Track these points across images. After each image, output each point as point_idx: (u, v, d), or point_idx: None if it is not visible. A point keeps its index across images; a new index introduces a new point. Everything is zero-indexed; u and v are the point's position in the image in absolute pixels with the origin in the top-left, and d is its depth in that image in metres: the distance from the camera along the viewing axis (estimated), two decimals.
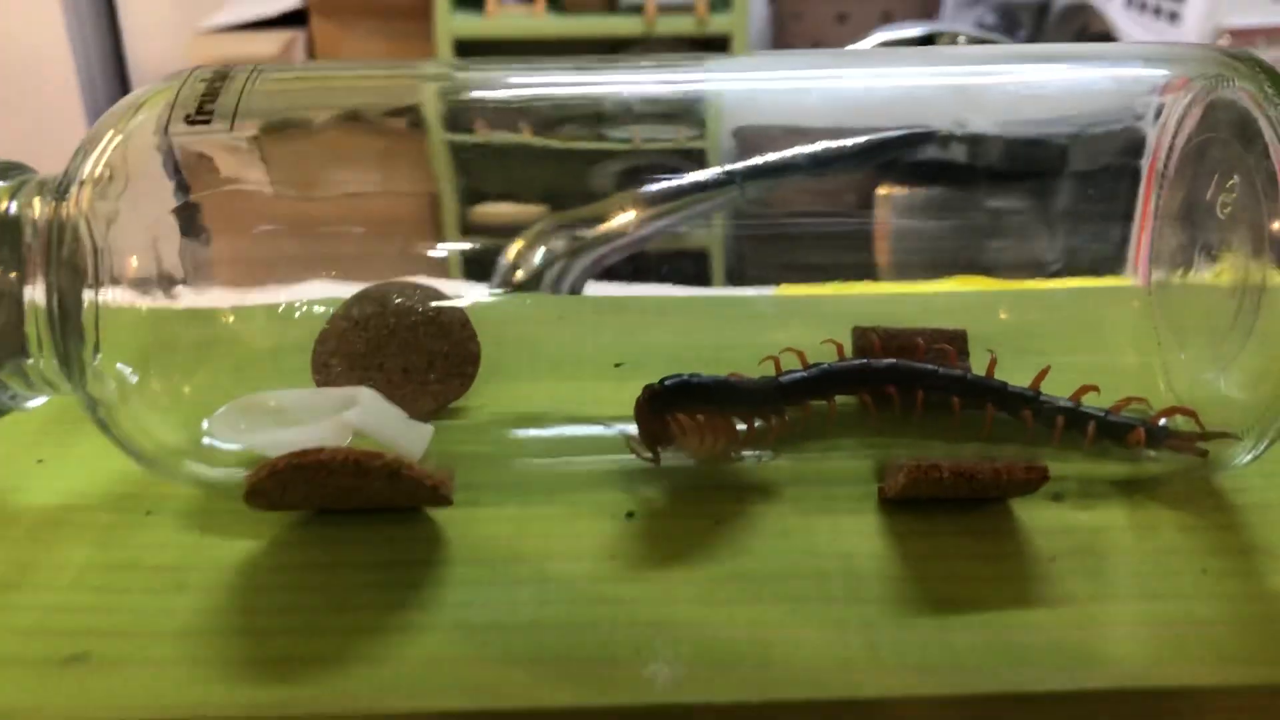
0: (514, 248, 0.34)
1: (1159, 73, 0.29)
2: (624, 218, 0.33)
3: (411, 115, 0.32)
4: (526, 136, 0.32)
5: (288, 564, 0.25)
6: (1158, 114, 0.29)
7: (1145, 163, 0.30)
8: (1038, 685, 0.22)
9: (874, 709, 0.22)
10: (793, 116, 0.33)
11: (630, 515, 0.27)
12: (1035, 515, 0.27)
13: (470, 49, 1.93)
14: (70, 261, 0.25)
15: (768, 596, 0.24)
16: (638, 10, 1.91)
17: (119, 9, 2.29)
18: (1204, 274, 0.28)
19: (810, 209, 0.33)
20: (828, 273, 0.33)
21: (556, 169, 0.32)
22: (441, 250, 0.31)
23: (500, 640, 0.23)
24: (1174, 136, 0.29)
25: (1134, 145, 0.30)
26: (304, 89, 0.29)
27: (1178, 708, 0.22)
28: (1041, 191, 0.32)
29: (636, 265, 0.33)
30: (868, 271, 0.33)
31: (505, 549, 0.26)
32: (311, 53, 2.02)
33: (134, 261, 0.27)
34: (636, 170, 0.33)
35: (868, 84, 0.31)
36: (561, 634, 0.23)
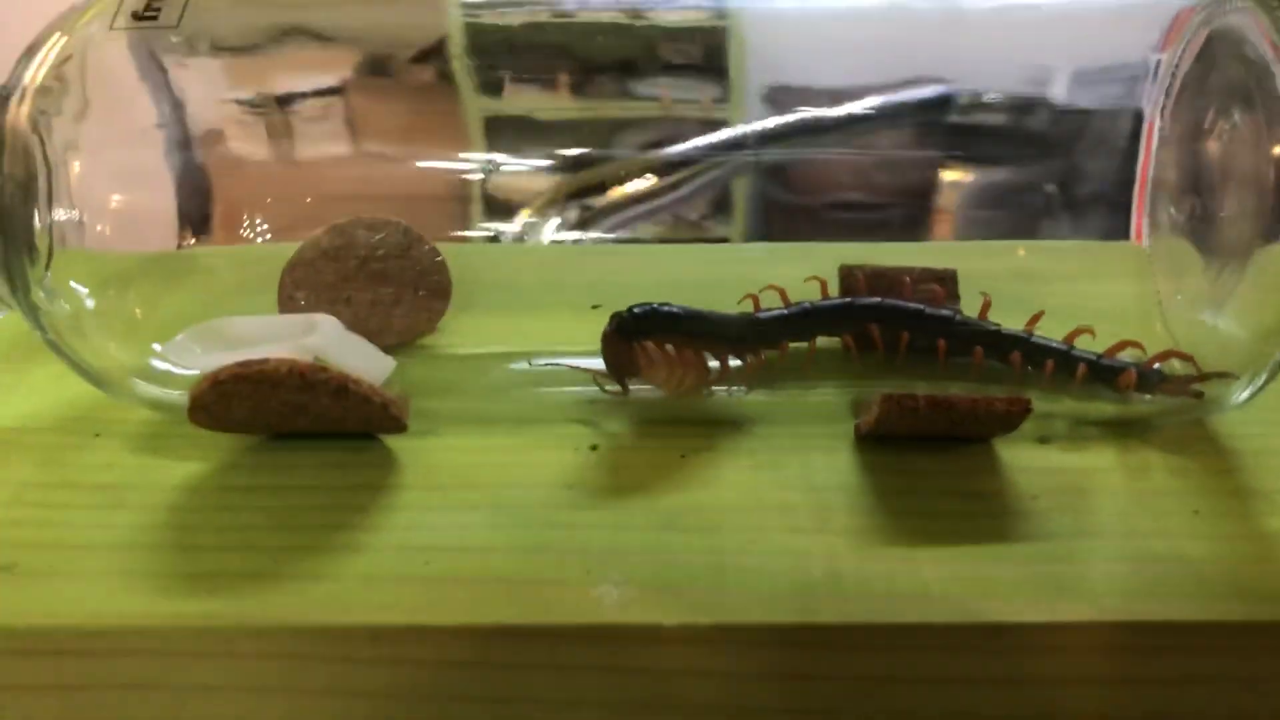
0: (523, 215, 0.33)
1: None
2: (636, 184, 0.32)
3: (401, 49, 0.31)
4: (538, 93, 0.31)
5: (232, 485, 0.25)
6: (1156, 69, 0.28)
7: (1146, 113, 0.28)
8: (1010, 616, 0.20)
9: (832, 634, 0.20)
10: (812, 64, 0.32)
11: (594, 448, 0.26)
12: (1020, 456, 0.25)
13: None
14: (13, 174, 0.24)
15: (728, 526, 0.23)
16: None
17: None
18: (1201, 212, 0.26)
19: (826, 180, 0.32)
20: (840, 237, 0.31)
21: (570, 131, 0.31)
22: (442, 199, 0.30)
23: (444, 561, 0.22)
24: (1172, 77, 0.27)
25: (1138, 91, 0.28)
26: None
27: (1161, 644, 0.21)
28: (1048, 155, 0.30)
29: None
30: (877, 235, 0.32)
31: (461, 477, 0.25)
32: None
33: (92, 179, 0.26)
34: (654, 132, 0.32)
35: (869, 11, 0.29)
36: (508, 556, 0.22)
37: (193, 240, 0.28)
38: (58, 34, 0.25)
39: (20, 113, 0.24)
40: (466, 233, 0.30)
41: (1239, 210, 0.25)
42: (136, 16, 0.24)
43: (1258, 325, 0.24)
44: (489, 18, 0.31)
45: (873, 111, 0.30)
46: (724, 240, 0.34)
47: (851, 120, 0.31)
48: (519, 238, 0.33)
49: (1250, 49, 0.24)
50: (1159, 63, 0.27)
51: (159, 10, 0.24)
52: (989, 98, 0.30)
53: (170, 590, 0.21)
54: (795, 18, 0.31)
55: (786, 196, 0.32)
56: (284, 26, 0.28)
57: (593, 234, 0.33)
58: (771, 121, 0.31)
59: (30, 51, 0.25)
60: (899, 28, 0.29)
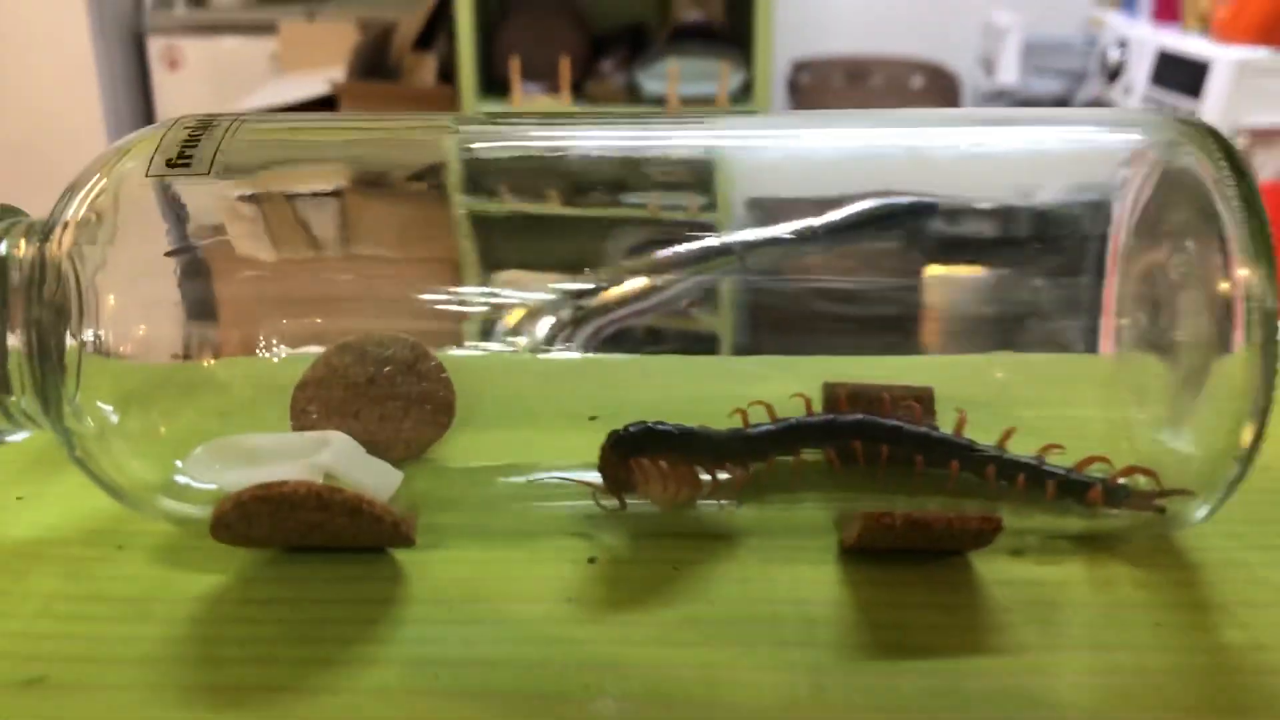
0: (514, 315, 0.34)
1: (1129, 138, 0.30)
2: (626, 286, 0.33)
3: (408, 173, 0.33)
4: (531, 203, 0.33)
5: (251, 598, 0.26)
6: (1123, 186, 0.30)
7: (1111, 235, 0.30)
8: None
9: None
10: (796, 182, 0.34)
11: (592, 560, 0.27)
12: (994, 569, 0.27)
13: None
14: (52, 300, 0.26)
15: (720, 639, 0.24)
16: (660, 101, 1.96)
17: (154, 92, 2.36)
18: (1161, 335, 0.28)
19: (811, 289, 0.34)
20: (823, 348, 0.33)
21: (562, 235, 0.33)
22: (441, 313, 0.32)
23: (451, 675, 0.23)
24: (1134, 205, 0.29)
25: (1104, 217, 0.30)
26: (285, 140, 0.30)
27: None
28: (1025, 267, 0.32)
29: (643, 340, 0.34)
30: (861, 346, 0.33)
31: (465, 590, 0.26)
32: None
33: (118, 304, 0.28)
34: (644, 238, 0.33)
35: (839, 153, 0.32)
36: (513, 670, 0.24)
37: (211, 359, 0.30)
38: (97, 175, 0.27)
39: (60, 245, 0.26)
40: (467, 346, 0.32)
41: (1193, 335, 0.26)
42: (170, 164, 0.26)
43: (1211, 445, 0.26)
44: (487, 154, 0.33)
45: (856, 219, 0.32)
46: (712, 341, 0.36)
47: (833, 229, 0.33)
48: (514, 342, 0.35)
49: (1200, 189, 0.26)
50: (1121, 192, 0.30)
51: (190, 159, 0.26)
52: (967, 210, 0.32)
53: (195, 702, 0.23)
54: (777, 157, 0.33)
55: (771, 302, 0.34)
56: (299, 160, 0.30)
57: (585, 334, 0.35)
58: (757, 231, 0.33)
59: (71, 190, 0.27)
60: (875, 166, 0.31)
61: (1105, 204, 0.30)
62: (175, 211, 0.29)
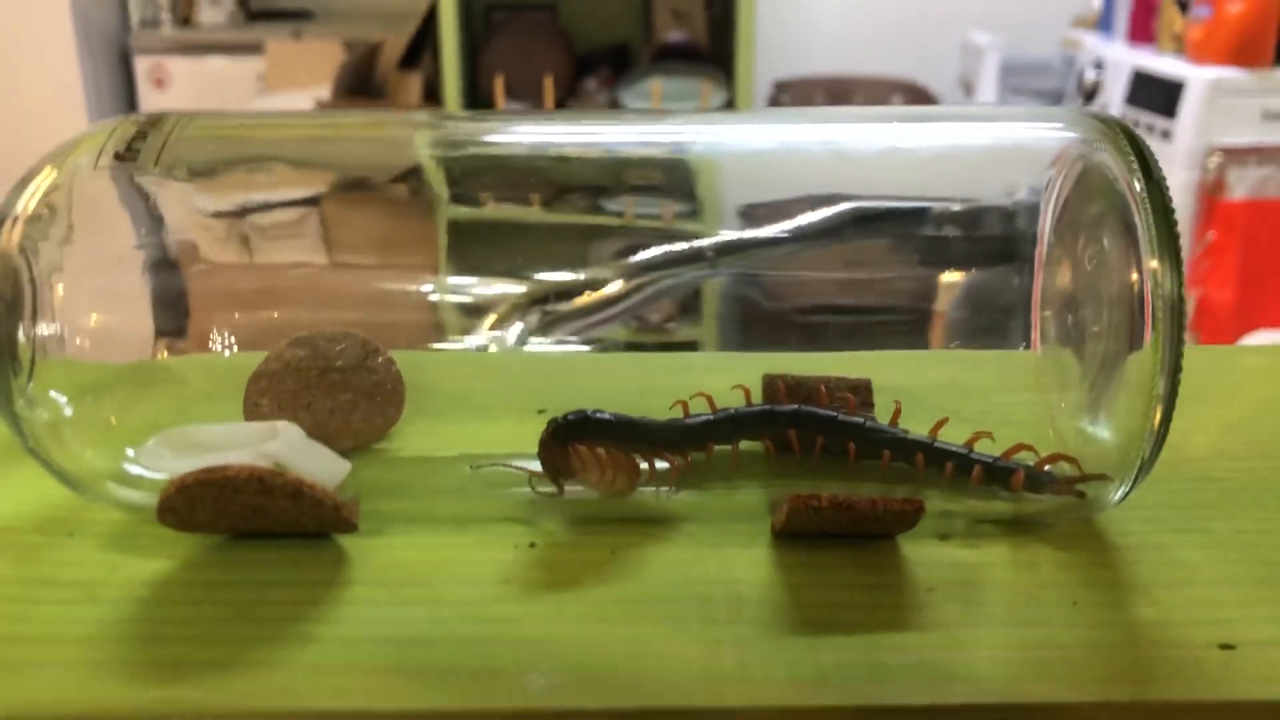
0: (487, 322, 0.35)
1: (1051, 135, 0.31)
2: (596, 291, 0.34)
3: (368, 173, 0.34)
4: (502, 203, 0.34)
5: (196, 581, 0.27)
6: (1047, 186, 0.31)
7: (1038, 231, 0.31)
8: (898, 699, 0.23)
9: (738, 718, 0.22)
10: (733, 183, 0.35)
11: (532, 546, 0.28)
12: (921, 552, 0.28)
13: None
14: (1, 292, 0.27)
15: (649, 617, 0.25)
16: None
17: (141, 112, 2.37)
18: (1076, 327, 0.29)
19: (778, 290, 0.35)
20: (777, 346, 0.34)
21: (533, 238, 0.34)
22: (401, 310, 0.33)
23: (387, 652, 0.24)
24: (1054, 203, 0.30)
25: (1030, 214, 0.31)
26: (236, 136, 0.31)
27: None
28: (960, 264, 0.33)
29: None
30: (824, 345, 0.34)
31: (406, 574, 0.27)
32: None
33: (72, 297, 0.29)
34: (619, 244, 0.34)
35: (762, 149, 0.32)
36: (447, 647, 0.24)
37: (165, 352, 0.31)
38: (49, 167, 0.27)
39: (11, 237, 0.27)
40: (436, 346, 0.33)
41: (1107, 327, 0.27)
42: (118, 156, 0.26)
43: (1125, 429, 0.26)
44: (457, 151, 0.33)
45: (811, 226, 0.33)
46: (689, 344, 0.36)
47: (789, 236, 0.34)
48: (483, 346, 0.35)
49: (1115, 185, 0.27)
50: (1046, 188, 0.31)
51: (139, 151, 0.26)
52: (904, 213, 0.33)
53: (136, 678, 0.23)
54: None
55: (739, 303, 0.35)
56: (254, 159, 0.31)
57: (554, 340, 0.36)
58: (723, 236, 0.34)
59: (23, 183, 0.27)
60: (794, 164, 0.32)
61: (1031, 201, 0.31)
62: (131, 207, 0.30)
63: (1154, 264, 0.25)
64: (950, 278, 0.33)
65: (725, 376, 0.34)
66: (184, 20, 2.41)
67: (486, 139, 0.32)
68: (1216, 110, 1.75)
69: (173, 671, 0.23)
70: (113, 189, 0.28)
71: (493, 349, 0.35)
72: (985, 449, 0.30)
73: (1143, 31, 2.05)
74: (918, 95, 2.23)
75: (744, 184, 0.36)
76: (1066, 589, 0.26)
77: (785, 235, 0.33)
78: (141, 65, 2.35)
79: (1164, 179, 0.26)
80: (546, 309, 0.36)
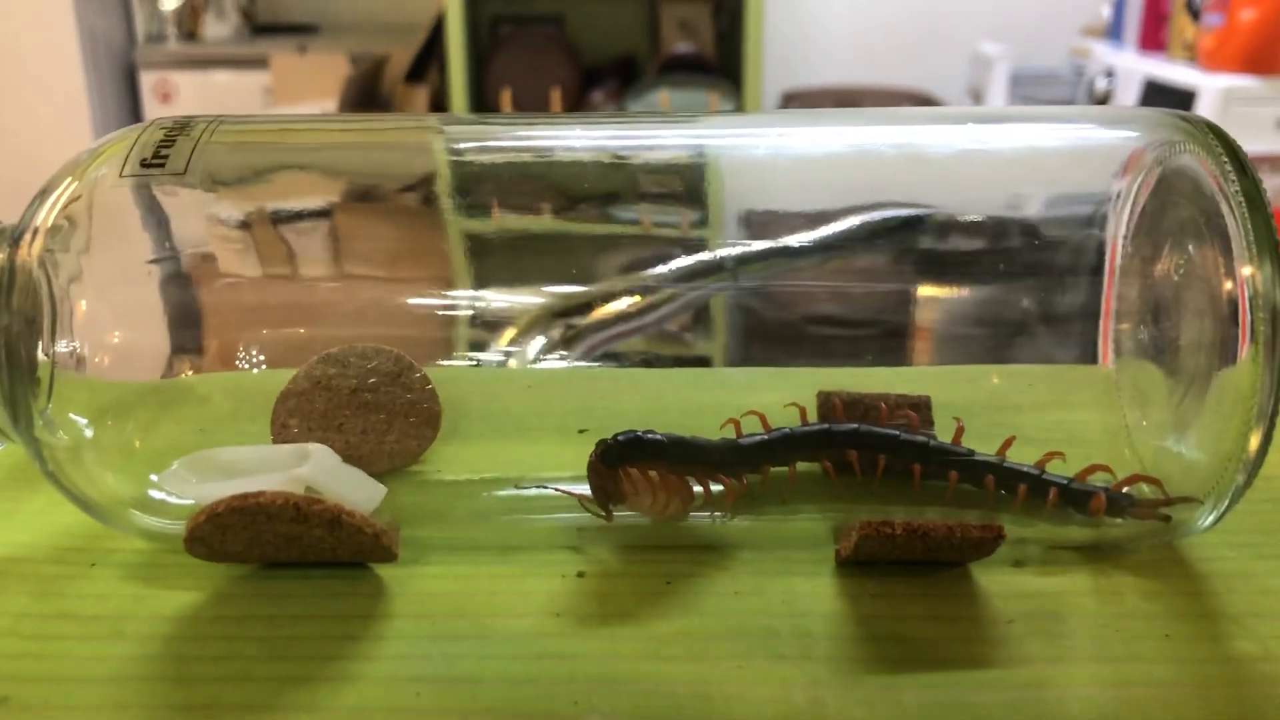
0: (507, 335, 0.34)
1: (1126, 136, 0.29)
2: (618, 304, 0.33)
3: (396, 182, 0.33)
4: (521, 213, 0.32)
5: (227, 615, 0.25)
6: (1118, 196, 0.29)
7: (1109, 238, 0.30)
8: None
9: None
10: (787, 187, 0.33)
11: (581, 575, 0.26)
12: (995, 580, 0.26)
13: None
14: (20, 309, 0.25)
15: (714, 654, 0.23)
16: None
17: None
18: (1161, 340, 0.28)
19: (802, 303, 0.33)
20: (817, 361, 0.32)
21: (553, 250, 0.32)
22: (428, 324, 0.31)
23: (433, 693, 0.22)
24: (1130, 208, 0.29)
25: (1101, 220, 0.30)
26: (266, 142, 0.29)
27: None
28: (1017, 276, 0.32)
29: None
30: (854, 359, 0.33)
31: (449, 605, 0.25)
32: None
33: (93, 313, 0.27)
34: (635, 255, 0.33)
35: (827, 152, 0.31)
36: (498, 687, 0.23)
37: (188, 370, 0.29)
38: (69, 178, 0.26)
39: (30, 252, 0.25)
40: (454, 360, 0.31)
41: (1196, 339, 0.26)
42: (145, 164, 0.25)
43: (1217, 451, 0.25)
44: (473, 157, 0.32)
45: (849, 234, 0.32)
46: (706, 359, 0.35)
47: (827, 244, 0.32)
48: (503, 360, 0.34)
49: (1202, 187, 0.25)
50: (1118, 195, 0.29)
51: (166, 158, 0.25)
52: (961, 220, 0.31)
53: None
54: (769, 158, 0.32)
55: (765, 316, 0.33)
56: (279, 166, 0.29)
57: (576, 354, 0.34)
58: (749, 245, 0.32)
59: (43, 194, 0.26)
60: (870, 167, 0.31)
61: (1102, 207, 0.29)
62: (154, 218, 0.28)
63: (1251, 270, 0.23)
64: (996, 289, 0.32)
65: (768, 394, 0.32)
66: (189, 35, 2.40)
67: (525, 144, 0.31)
68: (1230, 119, 1.74)
69: (205, 715, 0.22)
70: (137, 199, 0.27)
71: (513, 364, 0.34)
72: (1056, 470, 0.28)
73: (1153, 39, 2.04)
74: (927, 106, 2.22)
75: (767, 190, 0.34)
76: (1156, 621, 0.24)
77: (814, 244, 0.32)
78: (147, 80, 2.34)
79: (1259, 179, 0.24)
80: (569, 322, 0.34)
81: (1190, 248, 0.26)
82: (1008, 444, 0.28)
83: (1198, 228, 0.25)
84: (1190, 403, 0.26)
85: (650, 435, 0.27)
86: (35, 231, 0.25)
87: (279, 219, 0.30)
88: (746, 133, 0.33)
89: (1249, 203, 0.24)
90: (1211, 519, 0.26)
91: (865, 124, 0.31)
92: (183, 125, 0.26)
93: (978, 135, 0.30)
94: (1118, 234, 0.29)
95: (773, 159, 0.32)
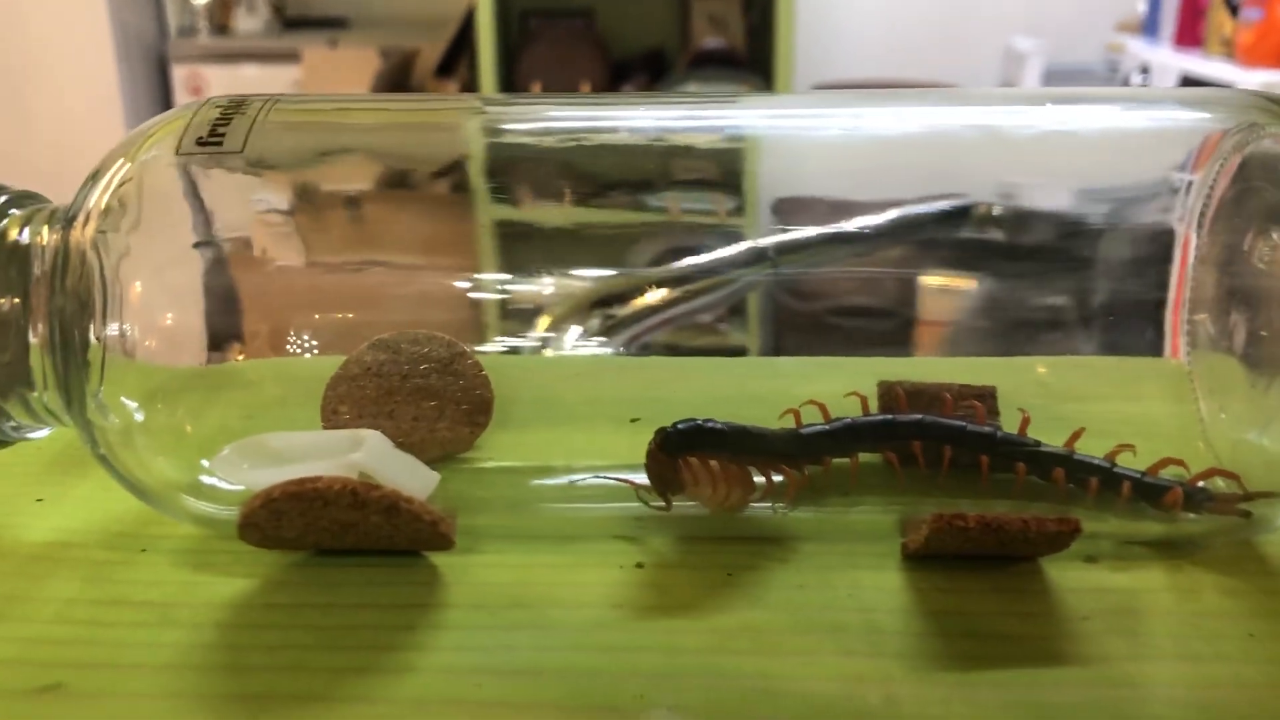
0: (542, 323, 0.33)
1: (1199, 115, 0.28)
2: (656, 294, 0.32)
3: (440, 167, 0.32)
4: (560, 207, 0.32)
5: (281, 603, 0.24)
6: (1189, 188, 0.28)
7: (1181, 226, 0.29)
8: None
9: None
10: (832, 177, 0.32)
11: (640, 566, 0.26)
12: (1068, 576, 0.25)
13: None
14: (74, 291, 0.25)
15: (780, 649, 0.23)
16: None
17: None
18: (1242, 330, 0.27)
19: (846, 294, 0.32)
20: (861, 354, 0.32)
21: (590, 241, 0.32)
22: (474, 310, 0.31)
23: (494, 685, 0.22)
24: (1208, 195, 0.28)
25: (1170, 207, 0.29)
26: (322, 122, 0.29)
27: None
28: (1078, 270, 0.31)
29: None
30: (902, 351, 0.32)
31: (506, 595, 0.25)
32: None
33: (144, 296, 0.27)
34: (673, 244, 0.32)
35: (903, 133, 0.30)
36: (559, 680, 0.22)
37: (239, 355, 0.29)
38: (121, 159, 0.25)
39: (83, 234, 0.25)
40: (491, 346, 0.31)
41: None
42: (201, 142, 0.24)
43: None
44: (521, 139, 0.31)
45: (896, 223, 0.31)
46: (742, 349, 0.34)
47: (873, 233, 0.31)
48: (539, 348, 0.33)
49: None
50: (1190, 183, 0.28)
51: (223, 136, 0.24)
52: (1008, 208, 0.30)
53: (220, 712, 0.21)
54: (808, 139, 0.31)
55: (804, 307, 0.32)
56: (336, 147, 0.29)
57: (616, 343, 0.33)
58: (790, 234, 0.31)
59: (95, 176, 0.25)
60: (932, 148, 0.30)
61: (1173, 194, 0.28)
62: (204, 201, 0.28)
63: None
64: (1059, 278, 0.31)
65: (821, 384, 0.32)
66: (221, 28, 2.41)
67: (584, 125, 0.30)
68: None
69: (260, 705, 0.21)
70: (189, 181, 0.26)
71: (548, 352, 0.33)
72: (1126, 463, 0.27)
73: (1190, 35, 2.01)
74: None
75: (809, 176, 0.33)
76: (1238, 619, 0.24)
77: (860, 232, 0.31)
78: (178, 73, 2.36)
79: None
80: (607, 311, 0.34)
81: (1276, 235, 0.25)
82: (1076, 435, 0.27)
83: None
84: (1274, 395, 0.25)
85: (711, 424, 0.26)
86: (88, 213, 0.25)
87: (331, 201, 0.30)
88: (788, 113, 0.33)
89: None
90: None
91: (930, 105, 0.30)
92: (238, 104, 0.26)
93: (1049, 116, 0.29)
94: (1192, 221, 0.28)
95: (816, 142, 0.32)
